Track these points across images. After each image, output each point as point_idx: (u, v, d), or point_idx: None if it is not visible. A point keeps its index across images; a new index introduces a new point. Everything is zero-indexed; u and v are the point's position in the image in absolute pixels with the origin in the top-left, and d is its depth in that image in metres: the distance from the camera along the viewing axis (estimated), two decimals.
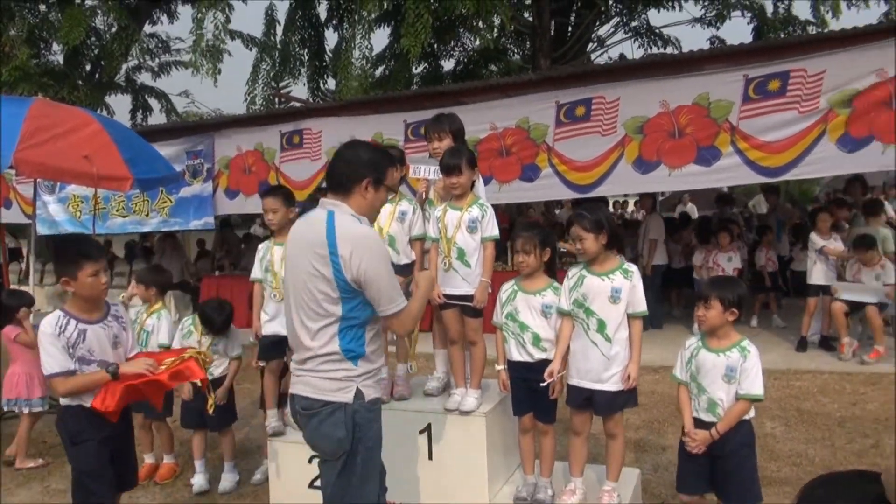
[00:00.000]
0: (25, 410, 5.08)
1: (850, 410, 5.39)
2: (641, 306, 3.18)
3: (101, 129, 5.85)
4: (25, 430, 5.07)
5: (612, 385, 3.13)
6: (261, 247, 4.28)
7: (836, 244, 7.20)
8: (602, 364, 3.13)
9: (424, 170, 3.78)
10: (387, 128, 8.57)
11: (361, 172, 2.57)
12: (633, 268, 3.22)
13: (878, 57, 6.27)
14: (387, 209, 3.74)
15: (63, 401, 3.02)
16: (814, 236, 7.33)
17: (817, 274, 7.26)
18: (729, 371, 2.94)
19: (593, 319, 3.14)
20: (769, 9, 14.40)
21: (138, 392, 3.02)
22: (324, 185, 3.96)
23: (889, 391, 5.78)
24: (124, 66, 18.56)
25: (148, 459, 4.82)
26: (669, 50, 15.72)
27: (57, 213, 11.12)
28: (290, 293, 2.60)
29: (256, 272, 4.24)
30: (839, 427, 5.05)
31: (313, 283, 2.47)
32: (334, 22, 15.09)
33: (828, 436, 4.89)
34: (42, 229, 10.82)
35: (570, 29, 14.84)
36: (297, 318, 2.56)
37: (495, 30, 11.90)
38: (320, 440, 2.56)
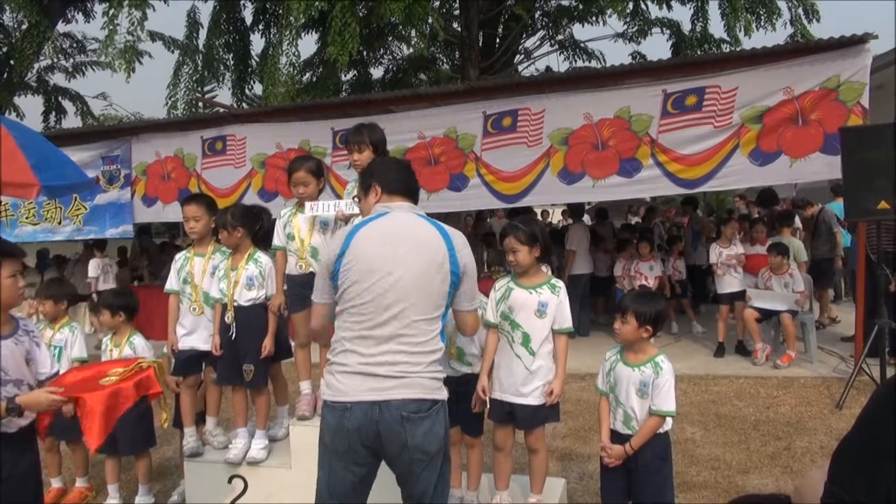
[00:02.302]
0: None
1: (765, 414, 5.62)
2: (567, 322, 3.21)
3: (5, 133, 5.51)
4: None
5: (534, 399, 3.14)
6: (178, 256, 4.09)
7: (734, 249, 7.62)
8: (524, 378, 3.14)
9: (340, 205, 3.74)
10: (314, 135, 8.43)
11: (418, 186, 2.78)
12: (561, 283, 3.25)
13: (786, 75, 6.61)
14: (305, 219, 3.71)
15: None
16: (713, 248, 7.75)
17: (726, 283, 7.61)
18: (642, 386, 2.97)
19: (518, 332, 3.14)
20: (686, 27, 15.03)
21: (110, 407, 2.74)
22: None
23: (800, 394, 6.07)
24: (36, 66, 17.66)
25: (55, 484, 4.54)
26: (593, 63, 16.21)
27: None
28: (390, 293, 2.42)
29: (172, 283, 4.04)
30: (754, 430, 5.25)
31: (434, 279, 2.47)
32: (260, 27, 14.80)
33: (744, 439, 5.07)
34: None
35: (497, 40, 15.06)
36: (404, 317, 2.42)
37: (426, 38, 11.95)
38: (430, 441, 2.42)
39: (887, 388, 0.97)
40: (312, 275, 3.62)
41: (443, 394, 2.50)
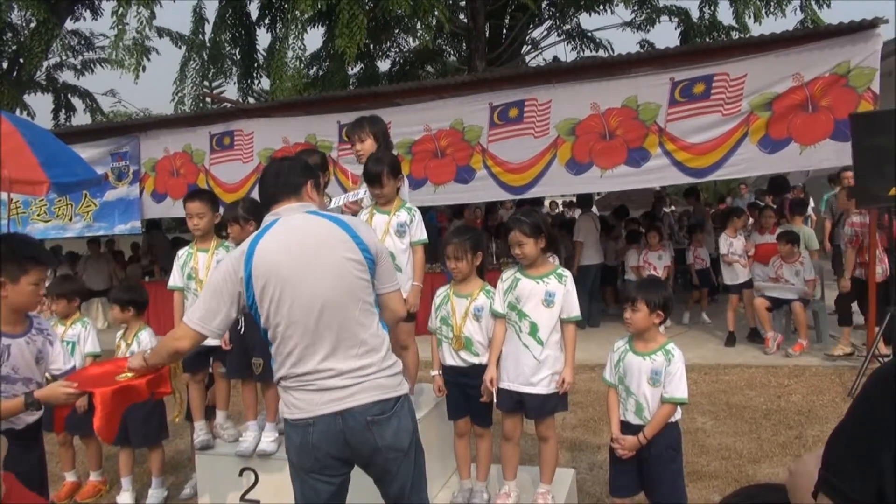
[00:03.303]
0: None
1: (776, 403, 5.60)
2: (575, 311, 3.20)
3: (13, 130, 5.56)
4: None
5: (543, 388, 3.14)
6: (180, 253, 4.08)
7: (737, 243, 7.58)
8: (533, 367, 3.14)
9: (348, 196, 3.76)
10: (320, 129, 8.45)
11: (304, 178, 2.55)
12: (567, 273, 3.24)
13: (796, 62, 6.55)
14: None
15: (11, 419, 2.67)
16: (722, 238, 7.70)
17: (733, 273, 7.58)
18: (654, 374, 2.97)
19: (526, 322, 3.14)
20: (695, 14, 14.91)
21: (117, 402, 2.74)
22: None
23: (811, 383, 6.03)
24: (45, 64, 17.75)
25: (69, 477, 4.58)
26: (601, 53, 16.10)
27: None
28: (316, 301, 2.29)
29: (176, 280, 4.04)
30: (765, 419, 5.23)
31: (353, 273, 2.35)
32: (266, 21, 14.80)
33: (754, 428, 5.05)
34: None
35: (504, 31, 14.99)
36: (341, 319, 2.32)
37: (432, 30, 11.92)
38: (401, 438, 2.38)
39: (884, 371, 0.96)
40: None
41: (403, 388, 2.44)
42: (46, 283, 2.82)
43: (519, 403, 3.19)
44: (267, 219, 2.47)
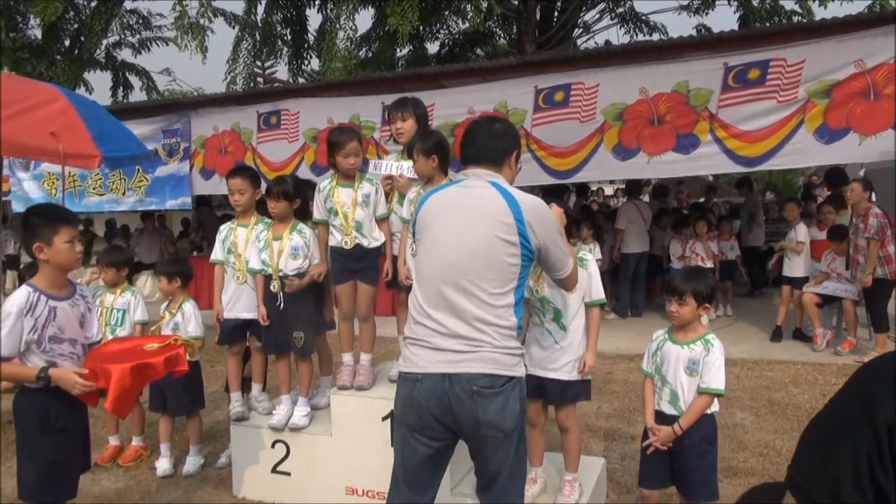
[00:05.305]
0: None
1: (821, 401, 5.40)
2: (599, 294, 3.16)
3: (68, 105, 5.71)
4: None
5: (565, 374, 3.11)
6: (222, 228, 4.18)
7: (796, 235, 7.33)
8: (555, 352, 3.11)
9: (395, 167, 3.75)
10: (364, 110, 8.46)
11: (511, 146, 2.63)
12: (589, 256, 3.20)
13: (858, 48, 6.24)
14: (348, 195, 3.68)
15: (31, 384, 2.78)
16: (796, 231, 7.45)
17: (791, 266, 7.34)
18: (691, 364, 2.90)
19: (549, 307, 3.11)
20: None
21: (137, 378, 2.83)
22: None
23: None
24: (104, 42, 18.25)
25: (113, 441, 4.74)
26: (655, 37, 15.68)
27: (32, 190, 10.93)
28: (454, 264, 2.39)
29: (217, 254, 4.14)
30: (808, 418, 5.01)
31: (498, 252, 2.37)
32: (317, 2, 14.88)
33: (796, 427, 4.90)
34: (17, 207, 10.64)
35: (556, 14, 14.74)
36: (468, 289, 2.36)
37: (482, 12, 11.80)
38: (504, 418, 2.35)
39: (861, 367, 0.92)
40: (359, 247, 3.67)
41: (519, 370, 2.43)
42: (80, 243, 2.91)
43: (540, 388, 3.16)
44: (455, 176, 2.60)
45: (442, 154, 3.38)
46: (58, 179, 10.62)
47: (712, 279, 3.06)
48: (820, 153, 6.55)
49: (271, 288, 3.82)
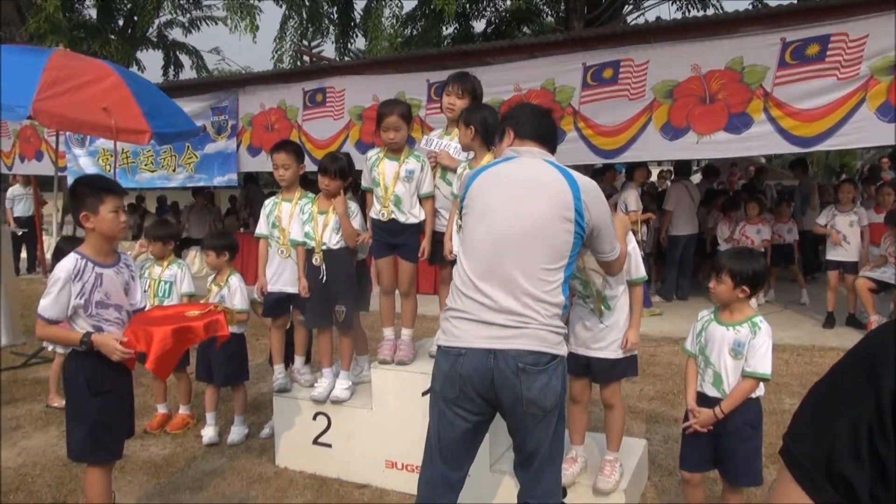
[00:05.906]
0: (60, 350, 5.11)
1: None
2: (640, 272, 3.10)
3: (120, 81, 5.86)
4: (57, 367, 5.13)
5: (611, 353, 3.06)
6: (267, 202, 4.22)
7: (842, 218, 7.09)
8: (600, 332, 3.07)
9: (444, 144, 3.74)
10: (409, 87, 8.42)
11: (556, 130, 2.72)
12: (630, 234, 3.12)
13: None
14: (392, 168, 3.67)
15: (76, 347, 2.88)
16: (828, 210, 7.20)
17: (835, 250, 7.12)
18: (736, 346, 2.81)
19: (593, 287, 3.06)
20: None
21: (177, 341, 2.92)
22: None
23: None
24: (156, 22, 18.58)
25: (161, 409, 4.88)
26: (709, 12, 15.17)
27: (87, 166, 11.27)
28: (508, 237, 2.38)
29: (262, 228, 4.19)
30: None
31: (554, 228, 2.38)
32: None
33: None
34: None
35: None
36: (521, 262, 2.35)
37: None
38: (546, 396, 2.34)
39: (870, 333, 0.86)
40: (394, 222, 3.66)
41: (563, 349, 2.41)
42: (125, 213, 2.99)
43: (586, 367, 3.13)
44: (507, 152, 2.60)
45: (484, 128, 3.33)
46: (112, 156, 10.91)
47: (760, 263, 2.90)
48: (883, 132, 6.24)
49: (313, 261, 3.85)
